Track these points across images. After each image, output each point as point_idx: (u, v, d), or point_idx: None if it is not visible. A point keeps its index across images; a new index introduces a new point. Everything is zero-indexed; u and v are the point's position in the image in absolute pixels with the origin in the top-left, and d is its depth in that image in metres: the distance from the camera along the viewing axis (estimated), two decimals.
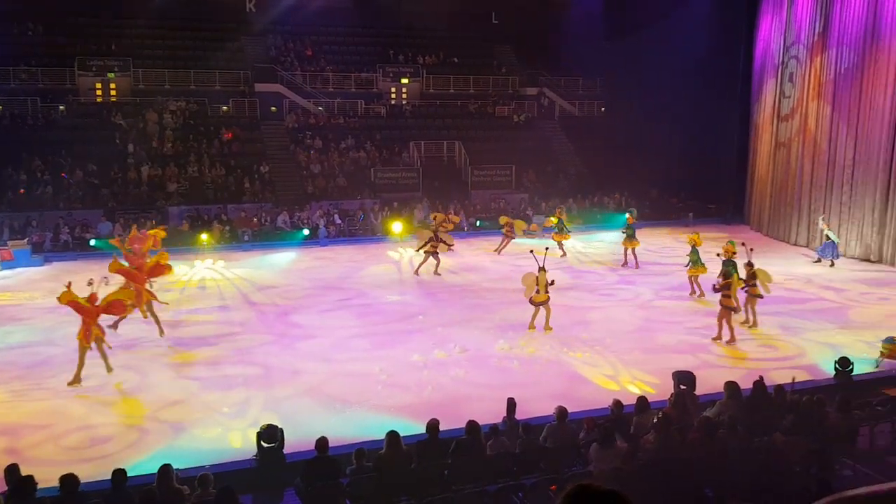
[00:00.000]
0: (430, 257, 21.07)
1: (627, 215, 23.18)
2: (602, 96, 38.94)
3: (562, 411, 9.29)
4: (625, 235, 22.18)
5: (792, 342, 14.91)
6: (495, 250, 24.23)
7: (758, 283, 15.58)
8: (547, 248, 16.72)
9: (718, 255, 16.58)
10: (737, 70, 29.72)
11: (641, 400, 9.78)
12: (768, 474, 8.26)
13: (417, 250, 21.58)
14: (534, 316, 15.76)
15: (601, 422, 9.08)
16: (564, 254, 23.72)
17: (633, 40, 33.66)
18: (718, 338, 14.90)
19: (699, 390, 10.77)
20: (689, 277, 18.48)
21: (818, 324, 16.12)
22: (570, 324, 16.20)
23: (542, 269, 15.64)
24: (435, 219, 23.18)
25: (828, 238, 22.01)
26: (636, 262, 22.02)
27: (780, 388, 10.24)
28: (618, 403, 9.75)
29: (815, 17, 24.78)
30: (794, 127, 26.18)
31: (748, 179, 29.65)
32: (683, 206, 31.36)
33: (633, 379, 12.97)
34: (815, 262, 22.23)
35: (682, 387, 10.46)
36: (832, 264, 21.60)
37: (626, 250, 22.18)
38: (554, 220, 24.37)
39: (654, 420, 8.86)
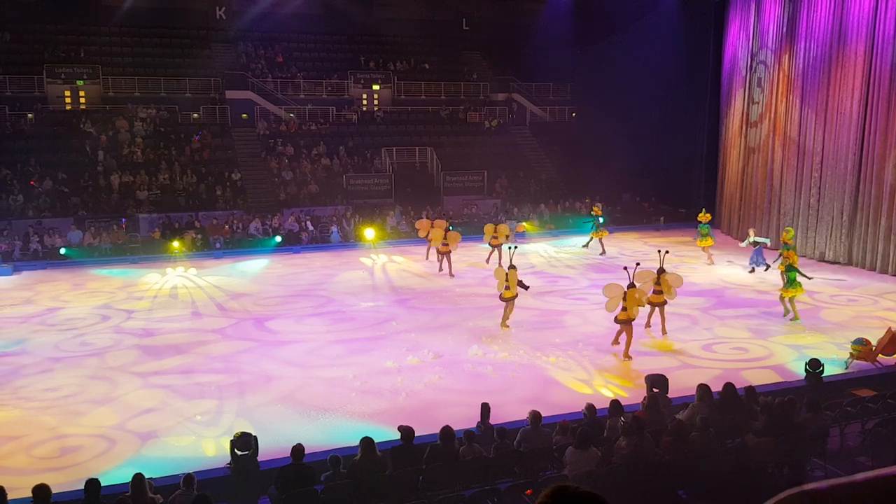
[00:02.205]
0: (444, 257, 21.59)
1: (594, 208, 25.96)
2: (573, 102, 39.27)
3: (535, 415, 9.34)
4: (593, 227, 25.05)
5: (762, 344, 15.13)
6: (487, 261, 23.04)
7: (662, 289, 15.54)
8: (516, 247, 17.30)
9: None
10: (706, 75, 30.13)
11: (614, 403, 9.88)
12: (741, 475, 8.38)
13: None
14: (505, 315, 16.12)
15: (574, 425, 9.15)
16: (604, 251, 24.61)
17: (602, 46, 34.03)
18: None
19: (672, 393, 10.90)
20: (785, 299, 16.69)
21: (788, 326, 16.38)
22: (543, 328, 16.30)
23: (511, 266, 15.95)
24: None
25: (755, 245, 21.35)
26: (603, 249, 24.57)
27: (751, 389, 10.39)
28: (591, 407, 9.83)
29: (781, 22, 25.22)
30: (763, 132, 26.61)
31: (718, 184, 30.05)
32: (654, 211, 31.75)
33: (607, 383, 13.09)
34: (750, 272, 21.54)
35: (655, 390, 10.57)
36: (767, 268, 20.76)
37: (598, 240, 24.89)
38: (596, 212, 25.58)
39: (622, 422, 8.92)
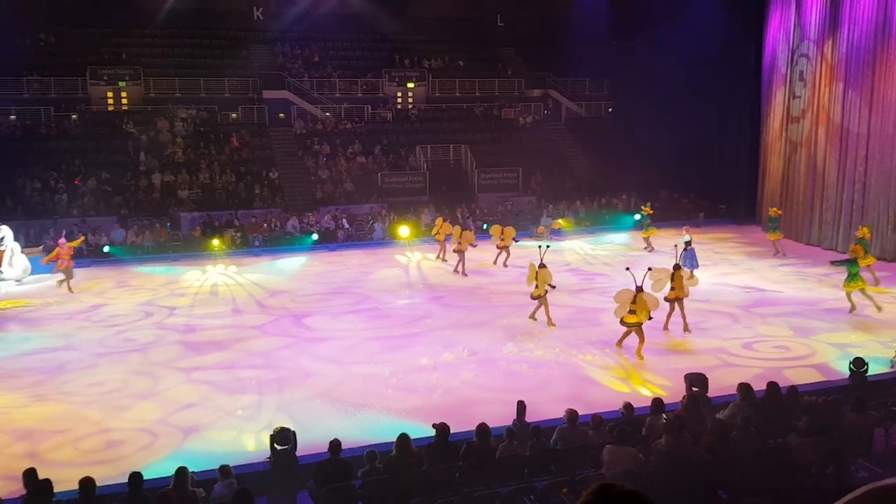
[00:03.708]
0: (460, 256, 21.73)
1: (643, 207, 25.92)
2: (609, 97, 38.93)
3: (572, 414, 9.30)
4: (644, 226, 25.16)
5: (805, 343, 14.86)
6: (494, 262, 23.03)
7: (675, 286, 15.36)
8: (548, 246, 17.10)
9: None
10: (746, 69, 29.63)
11: (657, 401, 9.76)
12: (783, 476, 8.25)
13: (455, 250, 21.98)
14: (535, 309, 16.24)
15: (612, 424, 9.09)
16: (652, 248, 24.55)
17: (639, 41, 33.66)
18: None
19: (712, 392, 10.76)
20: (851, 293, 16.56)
21: (832, 324, 16.06)
22: (580, 326, 16.22)
23: (542, 265, 15.90)
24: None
25: (686, 247, 20.27)
26: (652, 247, 24.39)
27: (793, 389, 10.22)
28: (628, 406, 9.76)
29: (824, 14, 24.71)
30: (805, 126, 26.11)
31: (759, 179, 29.55)
32: (694, 207, 31.31)
33: (645, 381, 12.98)
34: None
35: (695, 388, 10.45)
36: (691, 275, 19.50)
37: (647, 238, 24.90)
38: (646, 211, 25.72)
39: (664, 422, 8.85)
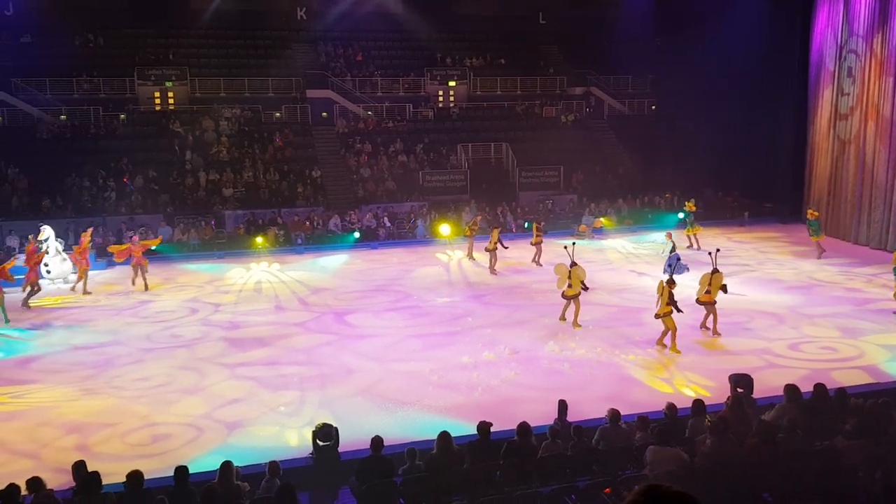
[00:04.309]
0: (491, 255, 21.78)
1: (687, 204, 25.47)
2: (652, 95, 38.47)
3: (615, 413, 9.24)
4: (688, 224, 24.79)
5: (853, 344, 14.53)
6: (532, 261, 22.94)
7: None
8: (574, 244, 16.96)
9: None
10: (792, 66, 29.01)
11: (698, 402, 9.64)
12: (829, 479, 8.08)
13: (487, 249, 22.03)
14: (564, 308, 16.15)
15: (655, 425, 9.00)
16: (692, 245, 24.24)
17: (683, 38, 33.14)
18: None
19: (757, 393, 10.58)
20: None
21: (880, 325, 15.68)
22: (622, 325, 16.07)
23: (574, 263, 15.81)
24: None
25: (671, 252, 19.97)
26: (698, 245, 24.00)
27: (841, 391, 10.00)
28: (671, 406, 9.65)
29: (873, 9, 24.10)
30: (854, 123, 25.49)
31: (806, 178, 28.93)
32: (738, 206, 30.76)
33: (688, 382, 12.82)
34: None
35: (740, 390, 10.29)
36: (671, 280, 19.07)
37: (692, 236, 24.59)
38: (690, 207, 25.27)
39: (708, 423, 8.73)
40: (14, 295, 18.23)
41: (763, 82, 29.96)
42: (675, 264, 18.15)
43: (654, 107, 38.41)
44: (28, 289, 18.61)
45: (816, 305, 17.43)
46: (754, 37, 29.22)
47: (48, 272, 20.55)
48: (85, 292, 19.88)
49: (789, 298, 18.08)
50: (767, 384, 11.60)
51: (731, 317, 16.52)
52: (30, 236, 20.78)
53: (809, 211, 23.74)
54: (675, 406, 9.71)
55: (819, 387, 9.79)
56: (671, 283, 14.21)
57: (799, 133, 29.18)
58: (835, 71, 26.34)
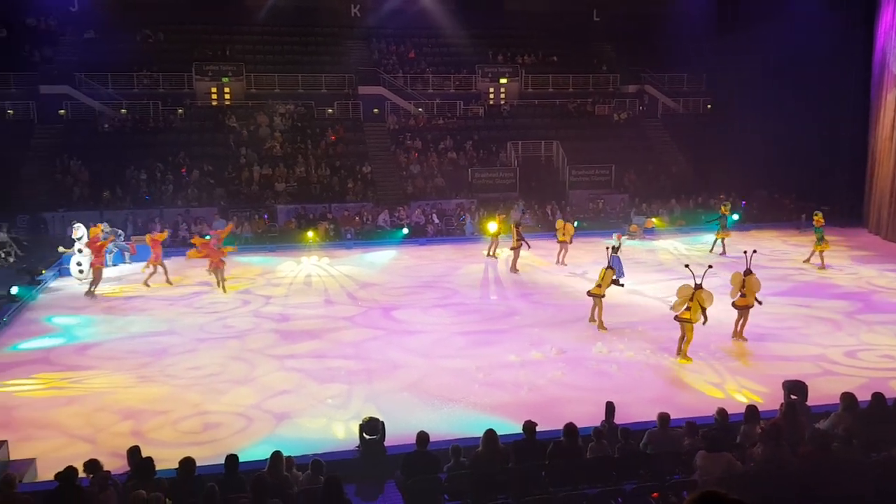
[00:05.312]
0: (514, 253, 21.69)
1: (722, 206, 24.88)
2: (708, 93, 37.77)
3: (664, 417, 9.12)
4: (718, 226, 24.02)
5: None
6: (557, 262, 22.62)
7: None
8: (616, 247, 16.99)
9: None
10: (854, 66, 28.19)
11: (751, 408, 9.44)
12: (886, 490, 7.85)
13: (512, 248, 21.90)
14: (592, 309, 16.00)
15: (705, 430, 8.85)
16: (724, 251, 23.71)
17: (741, 35, 32.47)
18: None
19: (811, 401, 10.33)
20: None
21: None
22: (672, 328, 15.81)
23: (609, 267, 15.77)
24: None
25: (614, 252, 18.24)
26: (724, 249, 23.55)
27: None
28: (722, 412, 9.47)
29: None
30: None
31: (867, 181, 28.08)
32: (795, 208, 29.99)
33: (740, 387, 12.57)
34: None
35: (793, 397, 10.06)
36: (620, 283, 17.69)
37: (720, 241, 23.93)
38: (723, 210, 24.57)
39: (760, 430, 8.55)
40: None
41: (823, 83, 29.19)
42: (617, 265, 18.09)
43: (709, 106, 37.72)
44: (92, 276, 19.28)
45: (876, 312, 16.92)
46: (814, 36, 28.45)
47: (80, 271, 20.68)
48: (145, 283, 20.13)
49: (847, 304, 17.58)
50: (822, 392, 11.32)
51: (786, 322, 16.18)
52: (100, 225, 21.27)
53: (816, 217, 22.19)
54: (726, 411, 9.53)
55: (877, 396, 9.50)
56: (699, 287, 13.77)
57: (859, 135, 28.36)
58: None
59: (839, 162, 29.59)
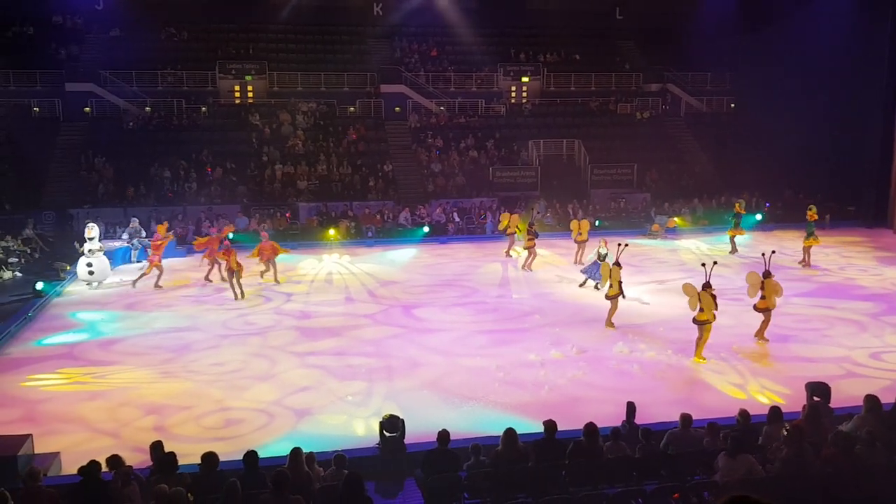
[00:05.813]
0: (529, 252, 21.70)
1: (736, 204, 24.65)
2: (731, 92, 37.43)
3: (686, 418, 9.06)
4: (733, 225, 23.87)
5: None
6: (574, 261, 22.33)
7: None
8: (627, 245, 16.98)
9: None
10: (881, 65, 27.80)
11: (774, 410, 9.35)
12: None
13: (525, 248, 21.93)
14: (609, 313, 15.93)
15: (727, 431, 8.79)
16: (735, 250, 23.65)
17: (766, 34, 32.14)
18: None
19: (834, 403, 10.21)
20: None
21: None
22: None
23: (616, 264, 15.67)
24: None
25: (602, 257, 18.56)
26: (733, 248, 23.62)
27: None
28: (744, 413, 9.38)
29: None
30: None
31: (892, 181, 27.68)
32: (820, 208, 29.56)
33: (762, 388, 12.46)
34: (581, 285, 19.25)
35: (816, 398, 9.95)
36: (597, 287, 18.03)
37: (731, 238, 23.88)
38: (738, 209, 24.34)
39: (784, 432, 8.47)
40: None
41: (848, 81, 28.83)
42: (593, 271, 18.10)
43: (732, 105, 37.40)
44: (153, 271, 19.67)
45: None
46: (840, 35, 28.12)
47: (91, 273, 20.00)
48: (156, 286, 19.78)
49: (872, 306, 17.36)
50: (846, 394, 11.18)
51: (809, 322, 16.02)
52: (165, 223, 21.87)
53: (809, 212, 22.17)
54: (749, 413, 9.44)
55: None
56: (707, 286, 13.66)
57: (886, 134, 27.99)
58: None
59: (864, 162, 29.20)
